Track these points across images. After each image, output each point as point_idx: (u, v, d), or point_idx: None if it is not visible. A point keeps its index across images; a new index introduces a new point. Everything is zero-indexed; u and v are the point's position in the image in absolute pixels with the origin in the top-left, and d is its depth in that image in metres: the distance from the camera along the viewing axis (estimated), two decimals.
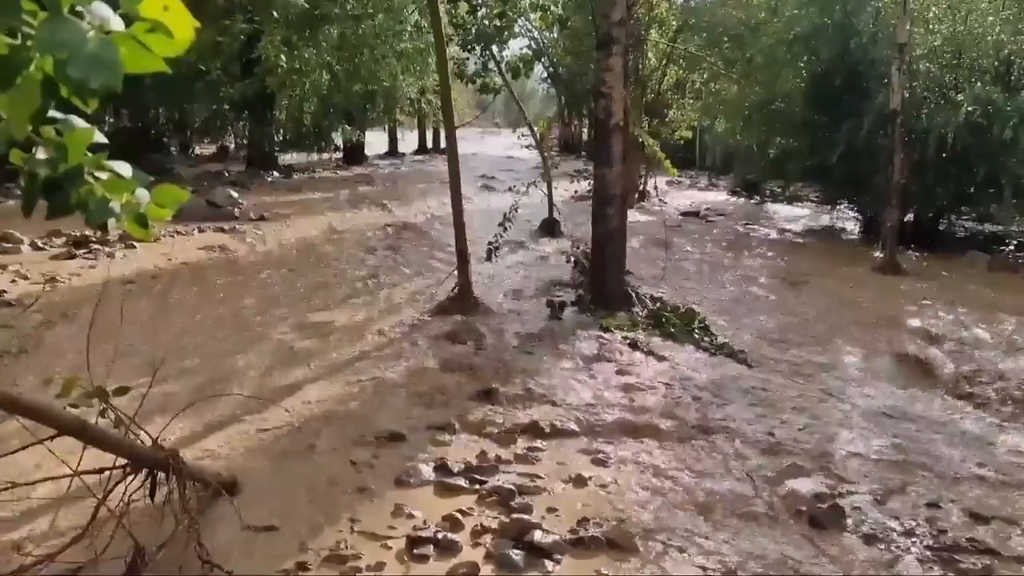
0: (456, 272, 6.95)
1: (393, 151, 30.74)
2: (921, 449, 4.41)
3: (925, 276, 10.13)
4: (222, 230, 10.88)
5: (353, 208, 14.07)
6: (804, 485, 3.79)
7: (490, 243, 7.63)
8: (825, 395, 5.26)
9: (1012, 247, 12.01)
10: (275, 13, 11.06)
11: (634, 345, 6.02)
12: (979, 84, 11.07)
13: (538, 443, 4.10)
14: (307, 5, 11.30)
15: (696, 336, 6.44)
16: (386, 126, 30.33)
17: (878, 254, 11.02)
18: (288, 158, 23.55)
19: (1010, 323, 7.80)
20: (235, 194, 12.67)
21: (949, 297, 8.81)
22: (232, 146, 26.90)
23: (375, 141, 30.28)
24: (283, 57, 10.20)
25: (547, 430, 4.23)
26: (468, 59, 9.75)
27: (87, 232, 8.94)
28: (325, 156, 24.58)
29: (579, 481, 3.67)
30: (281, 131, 22.27)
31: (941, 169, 11.53)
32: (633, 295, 7.41)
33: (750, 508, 3.54)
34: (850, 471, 4.00)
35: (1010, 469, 4.24)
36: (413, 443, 4.03)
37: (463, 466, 3.73)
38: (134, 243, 9.23)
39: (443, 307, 6.81)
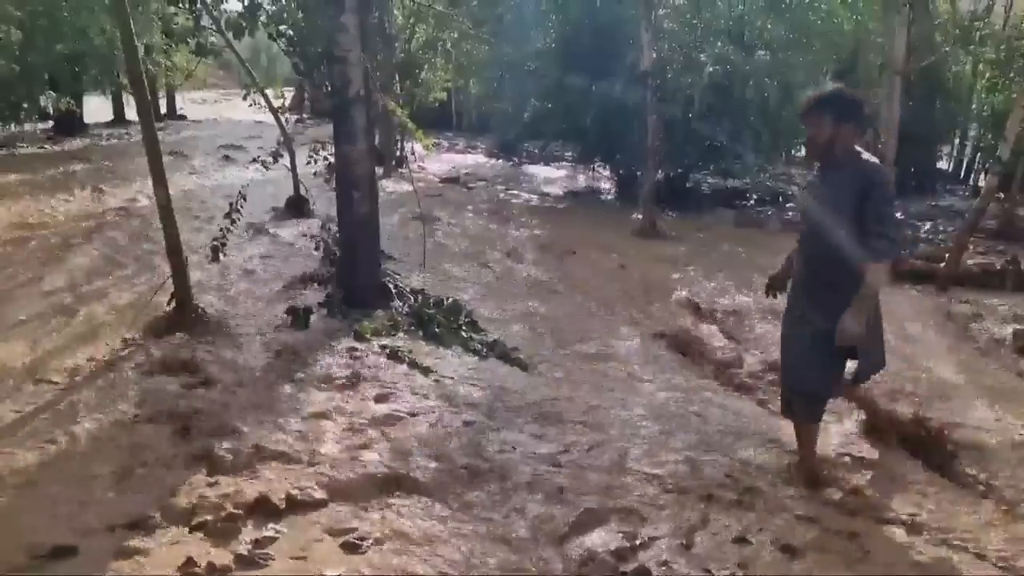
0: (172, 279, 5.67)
1: (120, 119, 27.04)
2: (711, 460, 3.98)
3: (681, 238, 10.22)
4: None
5: (58, 192, 11.76)
6: (600, 539, 3.16)
7: (215, 239, 6.36)
8: (609, 398, 4.74)
9: (753, 201, 12.58)
10: None
11: (394, 356, 5.16)
12: (719, 44, 11.29)
13: (271, 528, 3.12)
14: None
15: (464, 335, 5.71)
16: (108, 91, 26.53)
17: (637, 216, 11.00)
18: None
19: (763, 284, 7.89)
20: None
21: (707, 261, 8.87)
22: None
23: (99, 108, 26.51)
24: None
25: (282, 505, 3.25)
26: (176, 15, 8.20)
27: None
28: (29, 128, 20.97)
29: None
30: None
31: (689, 128, 11.73)
32: (392, 288, 6.54)
33: None
34: (647, 507, 3.44)
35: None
36: (89, 558, 2.88)
37: None
38: None
39: (157, 326, 5.50)
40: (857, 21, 12.99)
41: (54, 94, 19.27)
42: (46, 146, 19.07)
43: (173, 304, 5.64)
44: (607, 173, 15.10)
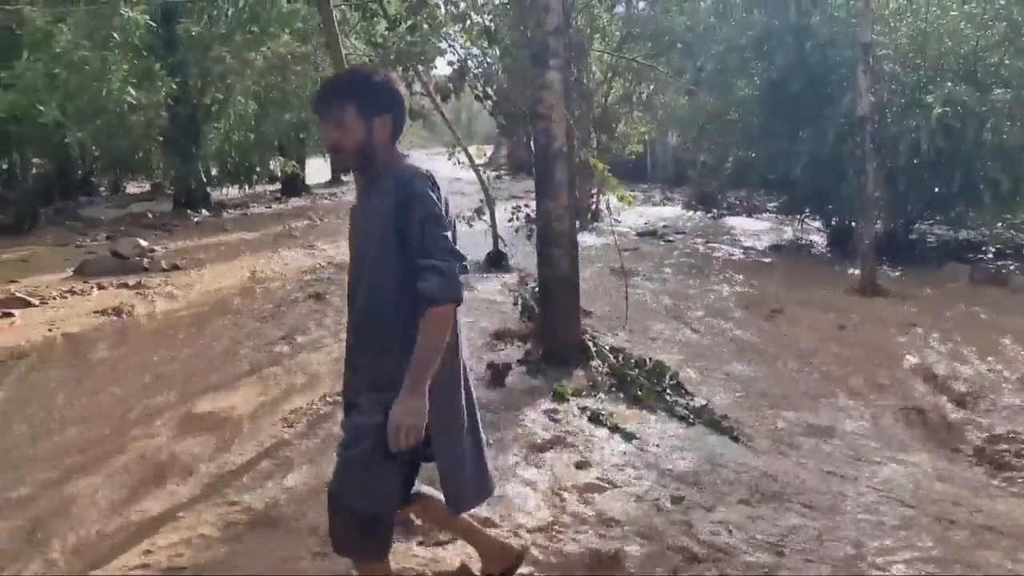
0: None
1: (335, 179, 29.43)
2: (969, 559, 3.39)
3: (906, 296, 9.27)
4: (126, 285, 9.60)
5: (281, 249, 12.83)
6: None
7: None
8: (834, 479, 4.24)
9: (991, 255, 11.25)
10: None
11: (595, 419, 4.93)
12: (948, 84, 10.31)
13: None
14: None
15: (668, 399, 5.39)
16: (326, 154, 28.97)
17: (853, 271, 10.16)
18: (224, 193, 22.22)
19: (1014, 351, 6.92)
20: (144, 243, 11.36)
21: (939, 322, 7.93)
22: (167, 183, 25.41)
23: (319, 169, 29.06)
24: (132, 91, 8.90)
25: None
26: None
27: None
28: (261, 189, 23.30)
29: None
30: (211, 166, 20.81)
31: (914, 176, 10.76)
32: (591, 346, 6.35)
33: None
34: None
35: None
36: None
37: None
38: (12, 311, 7.95)
39: None
40: None
41: (281, 158, 21.29)
42: (273, 205, 21.05)
43: None
44: (817, 225, 14.17)
